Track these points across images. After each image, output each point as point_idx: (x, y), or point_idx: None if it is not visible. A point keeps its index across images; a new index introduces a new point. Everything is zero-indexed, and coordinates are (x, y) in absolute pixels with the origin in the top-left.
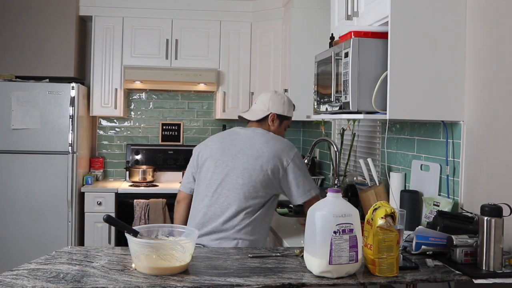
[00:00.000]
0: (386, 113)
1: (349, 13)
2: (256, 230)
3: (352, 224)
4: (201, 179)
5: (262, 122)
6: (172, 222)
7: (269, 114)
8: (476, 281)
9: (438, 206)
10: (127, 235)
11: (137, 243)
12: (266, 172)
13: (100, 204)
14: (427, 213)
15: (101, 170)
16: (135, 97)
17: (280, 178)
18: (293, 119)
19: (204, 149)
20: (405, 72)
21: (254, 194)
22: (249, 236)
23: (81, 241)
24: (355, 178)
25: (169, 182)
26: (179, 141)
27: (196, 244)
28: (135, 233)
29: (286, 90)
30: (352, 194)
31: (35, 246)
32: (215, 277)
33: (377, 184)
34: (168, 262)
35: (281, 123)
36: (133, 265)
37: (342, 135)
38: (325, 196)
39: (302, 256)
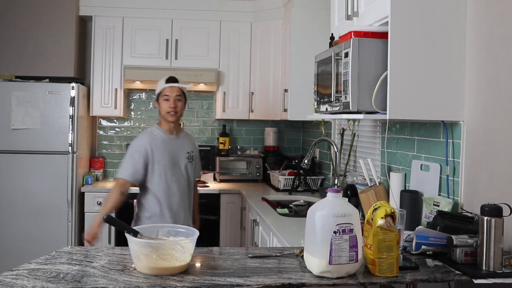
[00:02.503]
0: (386, 113)
1: (349, 13)
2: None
3: (352, 224)
4: None
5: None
6: None
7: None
8: (476, 281)
9: (438, 206)
10: (127, 235)
11: (137, 243)
12: None
13: (100, 204)
14: (427, 213)
15: (101, 170)
16: (135, 97)
17: None
18: (293, 119)
19: None
20: (405, 72)
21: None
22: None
23: (81, 241)
24: (355, 178)
25: None
26: None
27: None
28: (135, 233)
29: (286, 90)
30: (352, 194)
31: (35, 246)
32: (215, 277)
33: (377, 184)
34: (168, 262)
35: (158, 102)
36: (133, 265)
37: (342, 135)
38: (325, 196)
39: (302, 256)
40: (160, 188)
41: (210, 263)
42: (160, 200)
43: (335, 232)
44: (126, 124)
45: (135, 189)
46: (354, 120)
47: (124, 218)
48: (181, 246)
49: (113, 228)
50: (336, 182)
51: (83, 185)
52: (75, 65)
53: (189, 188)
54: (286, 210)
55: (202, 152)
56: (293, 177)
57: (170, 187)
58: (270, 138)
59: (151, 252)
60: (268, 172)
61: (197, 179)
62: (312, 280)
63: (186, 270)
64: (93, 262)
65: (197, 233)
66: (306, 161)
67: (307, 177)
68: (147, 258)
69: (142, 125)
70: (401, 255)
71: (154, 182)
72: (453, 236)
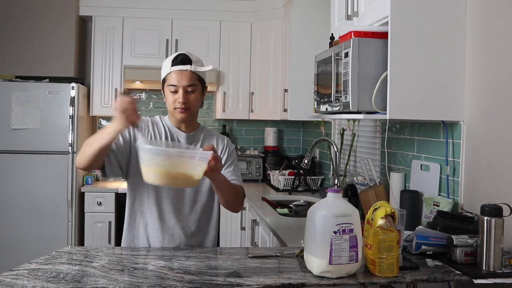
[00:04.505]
0: (386, 113)
1: (349, 13)
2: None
3: (352, 224)
4: None
5: None
6: None
7: None
8: (476, 281)
9: (438, 206)
10: (142, 142)
11: (151, 150)
12: None
13: (100, 204)
14: (427, 213)
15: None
16: (135, 97)
17: None
18: (293, 119)
19: None
20: (405, 72)
21: None
22: None
23: (81, 241)
24: (355, 178)
25: None
26: None
27: None
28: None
29: (286, 90)
30: (352, 194)
31: (35, 246)
32: (215, 277)
33: (377, 184)
34: (181, 170)
35: (163, 90)
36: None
37: (342, 135)
38: (325, 196)
39: (302, 256)
40: (149, 205)
41: (210, 263)
42: (146, 219)
43: (335, 232)
44: None
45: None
46: (354, 120)
47: (124, 218)
48: (193, 158)
49: (113, 228)
50: (336, 182)
51: (83, 185)
52: (75, 65)
53: (201, 212)
54: (286, 210)
55: None
56: (293, 177)
57: (161, 204)
58: (270, 138)
59: (164, 160)
60: (268, 172)
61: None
62: (312, 280)
63: (186, 270)
64: (93, 262)
65: (210, 152)
66: (306, 161)
67: (307, 177)
68: (159, 166)
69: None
70: (401, 255)
71: (143, 196)
72: (453, 236)
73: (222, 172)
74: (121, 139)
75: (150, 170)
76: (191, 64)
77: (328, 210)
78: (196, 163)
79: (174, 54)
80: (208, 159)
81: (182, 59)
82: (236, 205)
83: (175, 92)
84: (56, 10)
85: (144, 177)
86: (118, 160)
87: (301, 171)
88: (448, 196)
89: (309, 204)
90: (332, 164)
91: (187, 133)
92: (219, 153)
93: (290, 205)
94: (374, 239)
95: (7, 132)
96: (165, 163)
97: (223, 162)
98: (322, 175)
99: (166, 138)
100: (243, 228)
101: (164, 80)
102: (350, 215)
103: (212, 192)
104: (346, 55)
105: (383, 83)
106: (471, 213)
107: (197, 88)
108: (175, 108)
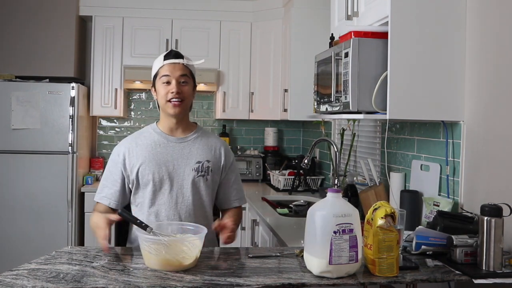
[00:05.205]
0: (386, 113)
1: (349, 13)
2: None
3: (352, 224)
4: None
5: None
6: None
7: None
8: (476, 281)
9: (438, 206)
10: (139, 232)
11: (147, 239)
12: None
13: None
14: (427, 213)
15: (101, 170)
16: (135, 97)
17: None
18: (293, 119)
19: None
20: (405, 72)
21: None
22: None
23: (81, 241)
24: (355, 178)
25: None
26: None
27: None
28: (145, 227)
29: (286, 90)
30: (352, 194)
31: (35, 246)
32: (215, 277)
33: (377, 184)
34: (177, 258)
35: (155, 87)
36: (133, 265)
37: (342, 135)
38: (325, 196)
39: (302, 256)
40: (144, 212)
41: (210, 263)
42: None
43: (335, 232)
44: (126, 124)
45: None
46: (354, 120)
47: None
48: (189, 243)
49: (113, 228)
50: (336, 182)
51: (83, 185)
52: (75, 65)
53: (198, 216)
54: (286, 210)
55: None
56: (293, 177)
57: (159, 214)
58: (270, 138)
59: (161, 248)
60: (268, 172)
61: (235, 206)
62: (312, 280)
63: (187, 270)
64: (93, 262)
65: (205, 230)
66: (306, 161)
67: (307, 177)
68: (157, 254)
69: (142, 125)
70: (401, 255)
71: (137, 204)
72: (453, 236)
73: (228, 189)
74: (112, 184)
75: (151, 257)
76: (183, 59)
77: (328, 210)
78: (192, 245)
79: (166, 52)
80: (203, 237)
81: (174, 54)
82: None
83: (168, 83)
84: (56, 10)
85: (146, 263)
86: (125, 198)
87: (301, 171)
88: (448, 196)
89: (309, 204)
90: (332, 164)
91: (179, 137)
92: (215, 158)
93: (290, 205)
94: (374, 239)
95: (7, 132)
96: (164, 253)
97: (224, 174)
98: (322, 175)
99: (154, 148)
100: (243, 228)
101: (156, 75)
102: (350, 215)
103: (210, 199)
104: (346, 55)
105: (383, 83)
106: (471, 213)
107: (189, 82)
108: (168, 101)
